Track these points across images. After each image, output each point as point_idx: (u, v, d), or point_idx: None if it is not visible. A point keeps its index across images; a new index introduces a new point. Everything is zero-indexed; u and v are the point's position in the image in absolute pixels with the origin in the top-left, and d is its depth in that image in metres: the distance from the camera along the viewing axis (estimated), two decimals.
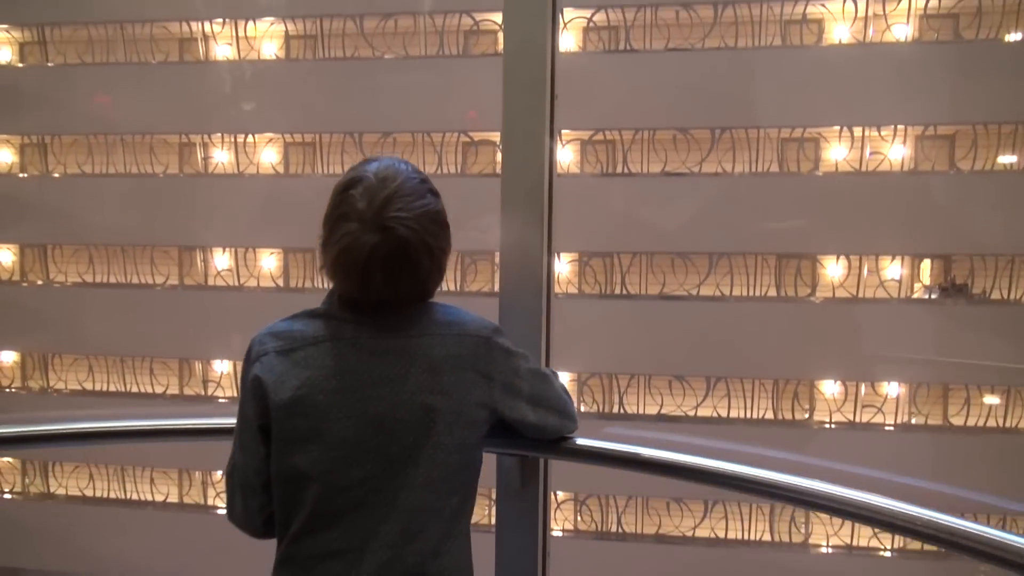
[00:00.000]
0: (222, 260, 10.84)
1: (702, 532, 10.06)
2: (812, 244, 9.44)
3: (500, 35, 9.97)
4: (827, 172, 9.32)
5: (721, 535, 9.96)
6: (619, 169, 9.62)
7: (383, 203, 1.47)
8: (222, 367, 10.60)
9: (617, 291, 9.73)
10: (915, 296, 9.30)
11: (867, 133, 9.18)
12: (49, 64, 10.41)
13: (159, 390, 10.83)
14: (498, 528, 1.88)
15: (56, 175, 10.57)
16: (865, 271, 9.44)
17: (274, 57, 10.38)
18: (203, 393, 10.91)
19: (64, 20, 10.36)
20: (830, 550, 10.73)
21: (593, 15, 9.56)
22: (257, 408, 1.54)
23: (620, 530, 10.68)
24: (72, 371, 10.78)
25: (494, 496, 1.81)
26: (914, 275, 9.37)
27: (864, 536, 10.60)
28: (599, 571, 9.57)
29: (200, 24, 10.19)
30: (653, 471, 1.72)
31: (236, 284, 10.50)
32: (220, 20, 10.14)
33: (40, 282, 10.81)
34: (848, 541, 9.71)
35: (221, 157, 10.71)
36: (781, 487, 1.56)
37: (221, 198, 10.38)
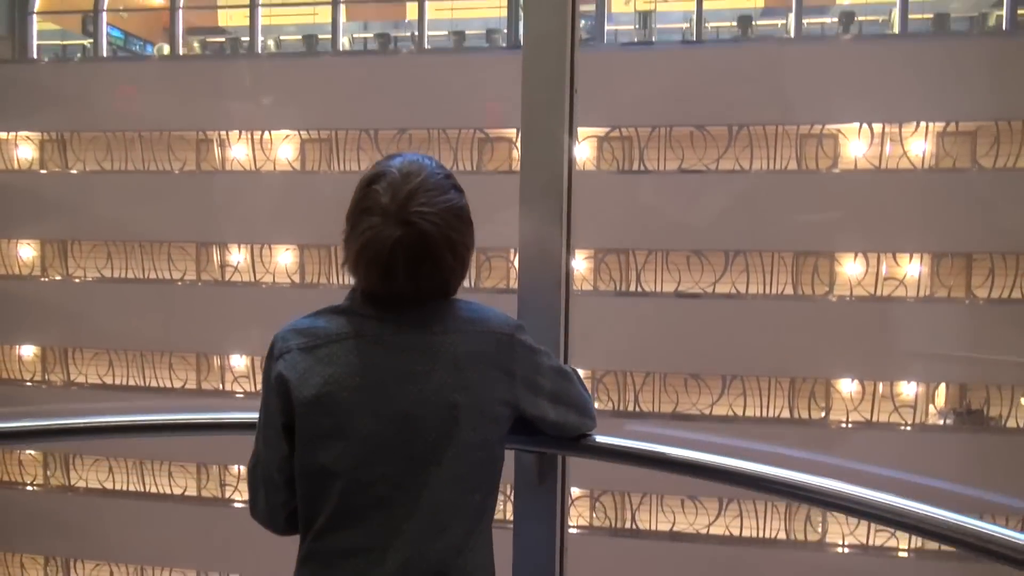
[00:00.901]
0: (239, 361, 11.01)
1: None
2: (824, 368, 9.38)
3: (513, 149, 10.02)
4: (841, 296, 9.27)
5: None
6: (632, 287, 9.64)
7: (406, 197, 1.47)
8: (238, 468, 10.78)
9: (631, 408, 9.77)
10: (930, 421, 9.25)
11: (882, 258, 9.15)
12: (72, 172, 10.59)
13: (176, 491, 11.02)
14: (516, 524, 1.88)
15: (76, 279, 10.76)
16: (880, 388, 9.40)
17: (288, 164, 10.47)
18: (220, 495, 11.09)
19: (84, 127, 10.52)
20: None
21: (608, 133, 9.57)
22: (280, 405, 1.53)
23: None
24: (93, 470, 11.01)
25: (511, 492, 1.86)
26: (929, 398, 9.33)
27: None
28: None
29: (217, 132, 10.31)
30: (672, 470, 1.73)
31: (253, 389, 10.64)
32: (236, 131, 10.25)
33: (60, 382, 11.02)
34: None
35: (237, 258, 10.87)
36: (806, 488, 1.56)
37: (238, 304, 10.52)
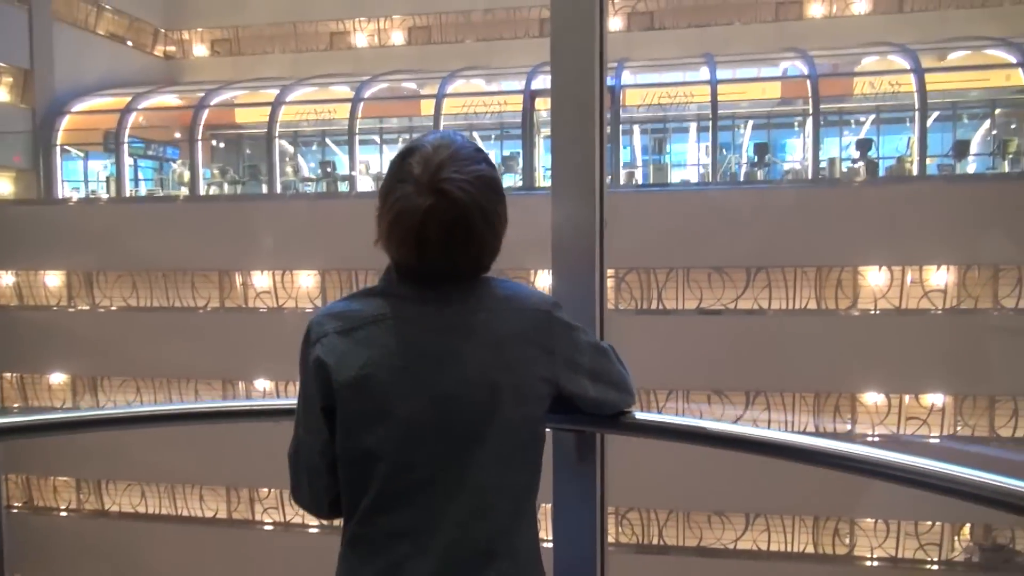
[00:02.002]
0: (266, 490, 11.22)
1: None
2: (845, 508, 9.38)
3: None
4: (863, 434, 9.28)
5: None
6: None
7: (437, 167, 1.48)
8: None
9: None
10: (955, 557, 9.25)
11: (904, 401, 9.14)
12: (100, 309, 10.81)
13: None
14: (555, 503, 1.88)
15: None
16: (902, 527, 9.40)
17: (309, 300, 10.62)
18: None
19: (110, 266, 10.73)
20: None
21: (625, 275, 9.62)
22: (320, 390, 1.52)
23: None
24: None
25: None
26: (954, 533, 9.33)
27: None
28: None
29: (238, 272, 10.49)
30: (711, 444, 1.70)
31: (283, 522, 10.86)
32: (260, 271, 10.42)
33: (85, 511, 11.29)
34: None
35: (263, 384, 11.06)
36: (851, 458, 1.52)
37: (264, 436, 10.70)
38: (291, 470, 1.63)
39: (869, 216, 8.98)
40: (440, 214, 1.47)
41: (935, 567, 9.42)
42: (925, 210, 8.86)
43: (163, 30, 22.47)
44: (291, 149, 13.83)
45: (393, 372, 1.48)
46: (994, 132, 11.33)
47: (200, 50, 23.28)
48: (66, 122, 12.03)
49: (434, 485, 1.49)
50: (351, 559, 1.52)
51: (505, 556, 1.50)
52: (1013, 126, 11.89)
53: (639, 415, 1.69)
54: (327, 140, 15.26)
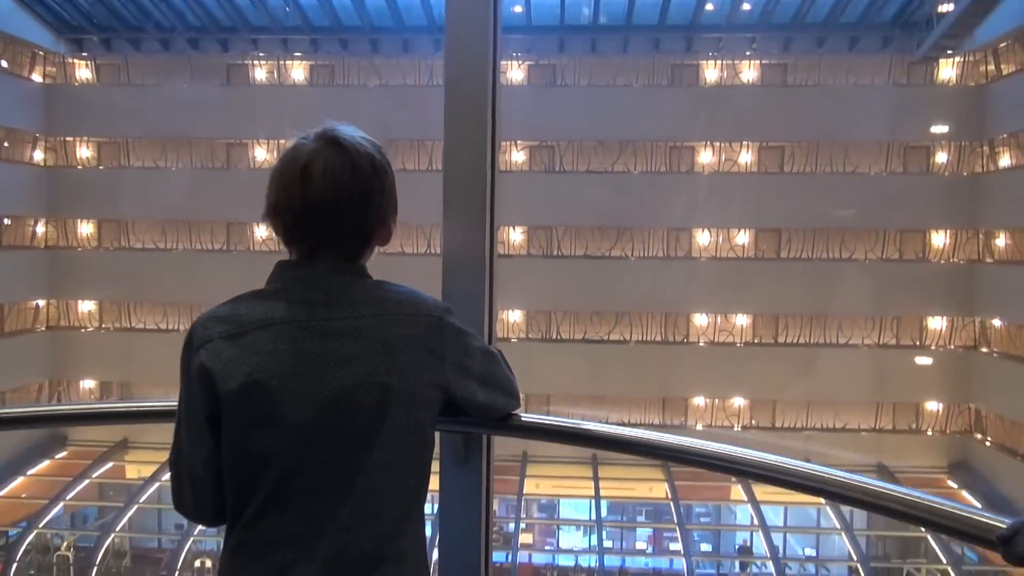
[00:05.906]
0: None
1: None
2: None
3: None
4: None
5: None
6: None
7: (326, 129, 1.50)
8: None
9: None
10: None
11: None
12: None
13: None
14: (441, 502, 1.89)
15: None
16: None
17: None
18: None
19: None
20: None
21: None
22: (204, 398, 1.43)
23: None
24: None
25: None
26: None
27: None
28: None
29: None
30: (594, 445, 1.73)
31: None
32: None
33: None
34: None
35: None
36: (720, 457, 1.58)
37: None
38: (172, 478, 1.56)
39: None
40: (328, 155, 1.46)
41: None
42: None
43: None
44: None
45: (282, 379, 1.42)
46: None
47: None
48: None
49: (322, 490, 1.44)
50: (234, 565, 1.48)
51: (392, 561, 1.49)
52: None
53: (524, 417, 1.77)
54: None
